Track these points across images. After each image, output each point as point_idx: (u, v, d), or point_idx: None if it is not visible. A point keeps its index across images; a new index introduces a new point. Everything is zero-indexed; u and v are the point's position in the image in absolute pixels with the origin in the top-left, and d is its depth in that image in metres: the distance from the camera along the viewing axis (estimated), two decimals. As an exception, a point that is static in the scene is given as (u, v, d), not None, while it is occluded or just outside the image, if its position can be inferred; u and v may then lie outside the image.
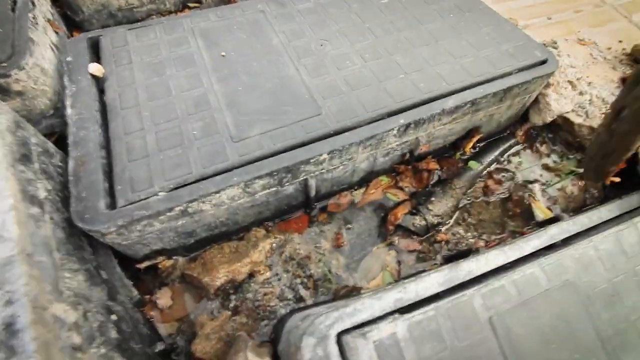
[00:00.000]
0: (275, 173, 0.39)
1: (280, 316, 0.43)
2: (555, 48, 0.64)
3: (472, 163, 0.54)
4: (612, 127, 0.37)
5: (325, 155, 0.41)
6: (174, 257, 0.46)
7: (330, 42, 0.51)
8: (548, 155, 0.58)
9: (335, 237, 0.49)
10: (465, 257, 0.38)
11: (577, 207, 0.52)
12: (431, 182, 0.52)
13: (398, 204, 0.51)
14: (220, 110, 0.43)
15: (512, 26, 0.54)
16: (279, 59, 0.48)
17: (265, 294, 0.44)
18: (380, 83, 0.46)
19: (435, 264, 0.47)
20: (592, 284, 0.35)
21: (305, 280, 0.46)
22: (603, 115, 0.55)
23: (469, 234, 0.50)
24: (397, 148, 0.48)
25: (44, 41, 0.50)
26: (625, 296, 0.36)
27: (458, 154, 0.55)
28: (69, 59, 0.48)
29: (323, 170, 0.44)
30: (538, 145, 0.59)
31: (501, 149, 0.57)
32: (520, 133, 0.58)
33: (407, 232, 0.48)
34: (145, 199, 0.36)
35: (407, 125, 0.44)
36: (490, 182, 0.54)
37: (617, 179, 0.44)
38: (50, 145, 0.42)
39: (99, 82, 0.47)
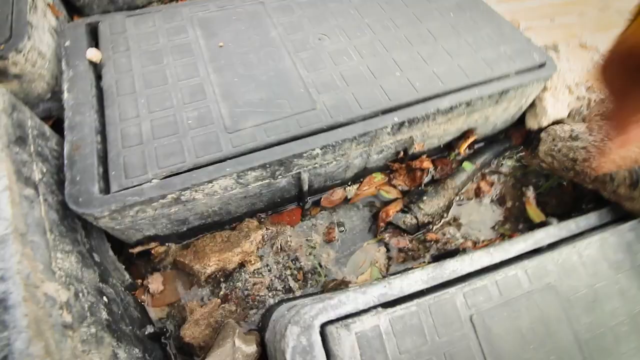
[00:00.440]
0: (268, 165, 0.40)
1: (268, 306, 0.44)
2: (557, 51, 0.64)
3: (466, 164, 0.54)
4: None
5: (318, 150, 0.41)
6: (167, 244, 0.47)
7: (328, 37, 0.51)
8: (542, 160, 0.58)
9: (326, 231, 0.50)
10: (455, 256, 0.38)
11: (568, 211, 0.53)
12: (424, 181, 0.53)
13: (390, 202, 0.51)
14: (216, 100, 0.43)
15: (512, 28, 0.54)
16: (276, 52, 0.49)
17: (255, 284, 0.45)
18: (376, 80, 0.46)
19: (423, 262, 0.47)
20: (574, 289, 0.36)
21: (295, 272, 0.47)
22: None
23: (459, 234, 0.50)
24: (391, 146, 0.48)
25: (42, 25, 0.50)
26: (605, 302, 0.36)
27: (453, 154, 0.55)
28: (67, 43, 0.48)
29: (316, 165, 0.44)
30: (533, 148, 0.59)
31: (496, 151, 0.57)
32: (516, 136, 0.58)
33: (397, 229, 0.49)
34: (138, 185, 0.37)
35: (401, 124, 0.44)
36: (483, 184, 0.55)
37: None
38: (47, 129, 0.42)
39: (96, 68, 0.47)
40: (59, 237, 0.33)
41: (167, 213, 0.40)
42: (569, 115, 0.56)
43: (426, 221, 0.49)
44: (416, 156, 0.53)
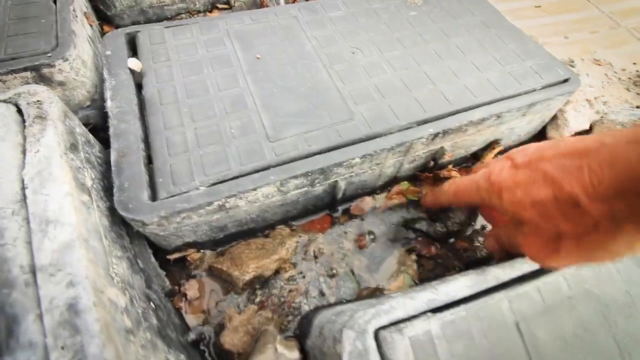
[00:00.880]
0: (309, 174, 0.41)
1: (304, 313, 0.45)
2: (573, 67, 0.67)
3: (490, 174, 0.56)
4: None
5: (357, 159, 0.42)
6: (202, 251, 0.47)
7: (361, 51, 0.52)
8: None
9: (357, 238, 0.51)
10: (485, 263, 0.39)
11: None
12: (451, 190, 0.54)
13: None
14: (257, 110, 0.45)
15: (535, 44, 0.56)
16: (312, 64, 0.50)
17: (290, 291, 0.46)
18: (410, 92, 0.48)
19: (455, 268, 0.48)
20: (610, 294, 0.37)
21: (328, 279, 0.47)
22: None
23: (487, 242, 0.51)
24: (423, 155, 0.49)
25: (82, 33, 0.51)
26: (641, 307, 0.37)
27: (478, 163, 0.56)
28: (108, 52, 0.49)
29: (353, 174, 0.45)
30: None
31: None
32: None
33: (427, 237, 0.50)
34: (186, 192, 0.38)
35: (436, 135, 0.45)
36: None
37: None
38: (91, 136, 0.43)
39: (136, 77, 0.48)
40: (111, 243, 0.34)
41: (209, 220, 0.41)
42: (590, 128, 0.58)
43: (455, 229, 0.50)
44: (443, 166, 0.55)
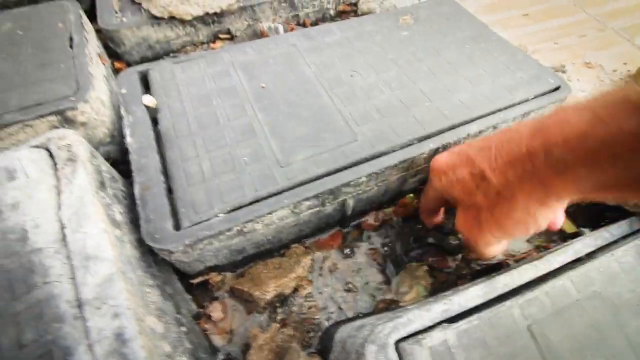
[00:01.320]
0: (320, 195, 0.43)
1: (324, 328, 0.46)
2: (564, 72, 0.69)
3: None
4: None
5: (364, 178, 0.45)
6: (222, 273, 0.49)
7: (358, 73, 0.55)
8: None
9: (369, 252, 0.53)
10: (494, 271, 0.41)
11: (595, 222, 0.56)
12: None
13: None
14: (266, 137, 0.47)
15: (524, 55, 0.59)
16: (314, 89, 0.53)
17: (309, 307, 0.48)
18: (408, 110, 0.51)
19: (466, 277, 0.50)
20: (618, 295, 0.38)
21: (345, 293, 0.49)
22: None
23: (494, 248, 0.53)
24: (424, 170, 0.52)
25: (98, 74, 0.54)
26: (649, 305, 0.39)
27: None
28: (123, 91, 0.52)
29: (360, 191, 0.48)
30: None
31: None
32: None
33: (440, 250, 0.52)
34: (207, 220, 0.40)
35: (437, 149, 0.48)
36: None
37: None
38: (114, 172, 0.46)
39: (151, 112, 0.51)
40: (143, 272, 0.36)
41: (229, 244, 0.43)
42: (584, 131, 0.60)
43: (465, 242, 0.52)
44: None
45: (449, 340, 0.33)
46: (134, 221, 0.42)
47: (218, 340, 0.46)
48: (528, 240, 0.54)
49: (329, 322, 0.47)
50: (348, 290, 0.50)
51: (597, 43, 0.80)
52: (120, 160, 0.55)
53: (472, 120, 0.50)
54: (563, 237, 0.54)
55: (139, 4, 0.68)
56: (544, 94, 0.54)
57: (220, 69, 0.55)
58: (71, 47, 0.55)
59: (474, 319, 0.34)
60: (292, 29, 0.72)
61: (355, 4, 0.81)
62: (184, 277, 0.47)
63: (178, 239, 0.39)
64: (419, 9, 0.67)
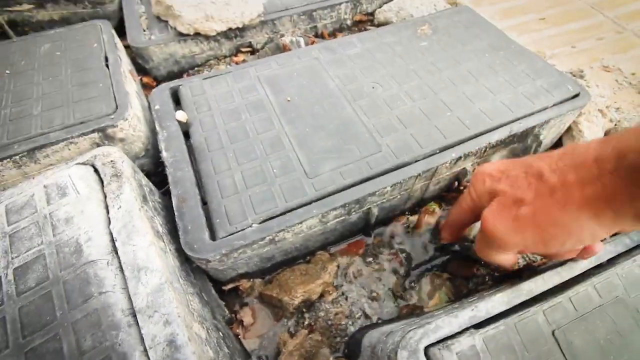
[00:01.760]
0: (347, 205, 0.45)
1: (351, 334, 0.48)
2: (582, 76, 0.69)
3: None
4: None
5: (388, 188, 0.47)
6: (252, 280, 0.52)
7: (380, 85, 0.57)
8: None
9: (392, 259, 0.55)
10: (514, 278, 0.42)
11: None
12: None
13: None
14: (293, 150, 0.50)
15: (544, 62, 0.59)
16: (338, 102, 0.55)
17: (336, 313, 0.49)
18: (430, 121, 0.52)
19: (487, 283, 0.51)
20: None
21: (370, 299, 0.51)
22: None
23: (520, 257, 0.54)
24: (447, 178, 0.53)
25: (132, 91, 0.58)
26: (672, 310, 0.39)
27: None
28: (156, 107, 0.55)
29: (384, 200, 0.49)
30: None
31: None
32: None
33: (462, 258, 0.53)
34: (241, 230, 0.42)
35: (458, 158, 0.49)
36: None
37: None
38: (152, 185, 0.49)
39: (183, 127, 0.54)
40: (185, 281, 0.39)
41: (260, 252, 0.46)
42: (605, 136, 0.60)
43: None
44: (466, 186, 0.58)
45: (477, 346, 0.34)
46: (172, 232, 0.45)
47: (250, 344, 0.48)
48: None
49: (355, 327, 0.49)
50: (372, 297, 0.51)
51: (616, 46, 0.80)
52: (153, 172, 0.58)
53: (494, 129, 0.51)
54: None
55: (166, 21, 0.71)
56: (563, 101, 0.55)
57: (247, 84, 0.58)
58: (107, 66, 0.58)
59: (500, 324, 0.35)
60: (312, 42, 0.75)
61: (372, 14, 0.83)
62: (215, 283, 0.50)
63: (215, 248, 0.41)
64: (436, 18, 0.68)
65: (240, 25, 0.71)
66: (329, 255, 0.54)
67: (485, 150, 0.51)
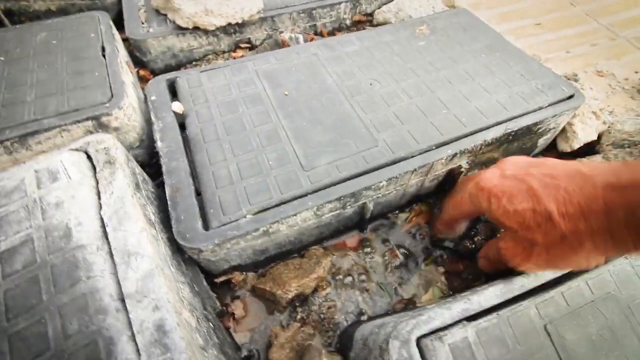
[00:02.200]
0: (342, 198, 0.45)
1: (343, 328, 0.48)
2: (577, 80, 0.70)
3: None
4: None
5: (384, 182, 0.46)
6: (245, 273, 0.51)
7: (378, 82, 0.57)
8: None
9: (386, 254, 0.54)
10: (508, 274, 0.42)
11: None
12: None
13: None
14: (289, 143, 0.49)
15: (539, 64, 0.60)
16: (335, 97, 0.55)
17: (329, 307, 0.49)
18: (426, 117, 0.52)
19: (480, 279, 0.51)
20: (632, 297, 0.39)
21: (363, 294, 0.51)
22: (622, 141, 0.60)
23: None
24: (442, 174, 0.53)
25: (128, 81, 0.57)
26: (662, 308, 0.40)
27: (470, 174, 0.60)
28: (153, 97, 0.55)
29: (380, 195, 0.49)
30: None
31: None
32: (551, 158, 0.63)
33: (455, 254, 0.53)
34: (235, 220, 0.42)
35: (454, 155, 0.49)
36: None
37: None
38: (145, 174, 0.48)
39: (179, 118, 0.54)
40: (175, 270, 0.38)
41: (254, 244, 0.45)
42: (598, 138, 0.61)
43: (482, 246, 0.53)
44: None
45: (469, 337, 0.34)
46: (164, 221, 0.45)
47: (240, 337, 0.47)
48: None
49: (348, 321, 0.49)
50: (366, 291, 0.51)
51: (609, 52, 0.82)
52: (147, 163, 0.58)
53: (489, 127, 0.52)
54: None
55: (165, 15, 0.71)
56: (558, 102, 0.55)
57: (245, 77, 0.58)
58: (104, 56, 0.58)
59: (492, 317, 0.35)
60: (311, 39, 0.75)
61: (371, 15, 0.84)
62: (207, 275, 0.49)
63: (208, 238, 0.41)
64: (434, 19, 0.69)
65: (240, 21, 0.71)
66: (323, 250, 0.54)
67: (480, 148, 0.51)
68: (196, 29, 0.70)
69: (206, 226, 0.42)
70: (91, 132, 0.49)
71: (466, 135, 0.51)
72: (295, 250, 0.53)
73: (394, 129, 0.51)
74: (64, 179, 0.39)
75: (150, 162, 0.58)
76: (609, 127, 0.62)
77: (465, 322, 0.35)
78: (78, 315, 0.31)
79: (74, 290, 0.32)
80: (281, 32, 0.76)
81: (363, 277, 0.52)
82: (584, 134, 0.60)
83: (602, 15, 0.92)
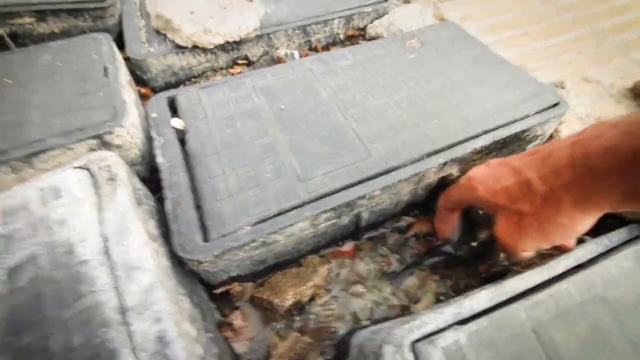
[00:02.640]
0: (338, 207, 0.47)
1: (340, 336, 0.49)
2: (564, 88, 0.73)
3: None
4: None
5: (378, 191, 0.48)
6: (243, 284, 0.52)
7: (371, 94, 0.60)
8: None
9: (382, 262, 0.56)
10: (501, 278, 0.44)
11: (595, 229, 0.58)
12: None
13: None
14: (287, 155, 0.51)
15: (525, 74, 0.62)
16: (330, 110, 0.57)
17: (326, 316, 0.50)
18: (418, 128, 0.54)
19: (474, 286, 0.52)
20: (618, 297, 0.40)
21: (359, 302, 0.52)
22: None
23: (503, 257, 0.55)
24: (434, 182, 0.55)
25: (130, 100, 0.59)
26: (649, 307, 0.41)
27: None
28: (154, 115, 0.57)
29: (374, 204, 0.51)
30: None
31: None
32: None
33: (452, 259, 0.54)
34: (234, 232, 0.44)
35: (445, 163, 0.51)
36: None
37: None
38: (146, 190, 0.50)
39: (179, 134, 0.55)
40: (176, 282, 0.40)
41: (252, 255, 0.46)
42: (586, 144, 0.63)
43: (481, 251, 0.54)
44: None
45: (461, 341, 0.35)
46: (165, 235, 0.46)
47: (239, 347, 0.48)
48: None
49: (345, 329, 0.50)
50: (362, 298, 0.52)
51: (595, 59, 0.84)
52: (147, 179, 0.60)
53: (478, 136, 0.53)
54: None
55: (165, 35, 0.74)
56: (544, 109, 0.57)
57: (242, 93, 0.60)
58: (106, 76, 0.60)
59: (483, 320, 0.36)
60: (306, 55, 0.78)
61: (363, 29, 0.87)
62: (207, 287, 0.50)
63: (207, 249, 0.42)
64: (424, 33, 0.71)
65: (237, 39, 0.74)
66: (320, 258, 0.55)
67: (470, 156, 0.53)
68: (195, 47, 0.73)
69: (206, 238, 0.44)
70: (94, 150, 0.51)
71: (456, 144, 0.52)
72: (292, 260, 0.54)
73: (387, 139, 0.53)
74: (68, 197, 0.41)
75: (150, 178, 0.59)
76: (596, 132, 0.64)
77: (457, 325, 0.36)
78: (82, 328, 0.32)
79: (78, 305, 0.33)
80: (277, 48, 0.79)
81: (359, 284, 0.53)
82: (571, 140, 0.61)
83: (587, 23, 0.95)
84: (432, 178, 0.53)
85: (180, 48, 0.72)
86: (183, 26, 0.70)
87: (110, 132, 0.51)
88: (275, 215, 0.45)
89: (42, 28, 0.78)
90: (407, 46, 0.68)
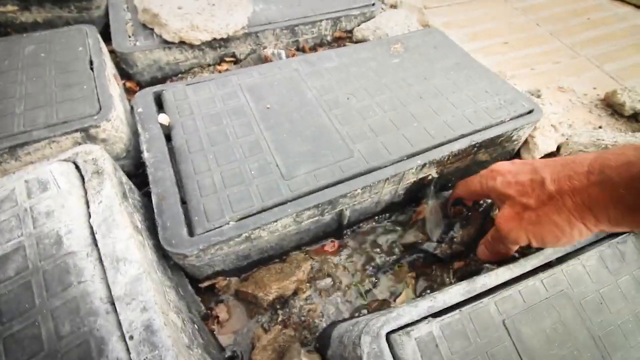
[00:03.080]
0: (320, 205, 0.48)
1: (322, 329, 0.51)
2: (539, 96, 0.76)
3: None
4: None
5: (359, 190, 0.50)
6: (228, 278, 0.53)
7: (354, 96, 0.61)
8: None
9: (363, 258, 0.58)
10: (476, 275, 0.46)
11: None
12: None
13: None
14: (271, 153, 0.52)
15: (502, 81, 0.65)
16: (314, 111, 0.59)
17: (309, 310, 0.52)
18: (398, 130, 0.56)
19: (450, 282, 0.55)
20: (583, 294, 0.44)
21: (342, 296, 0.54)
22: (578, 151, 0.66)
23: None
24: (414, 183, 0.57)
25: (116, 94, 0.59)
26: (610, 304, 0.44)
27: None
28: (139, 110, 0.57)
29: (355, 202, 0.53)
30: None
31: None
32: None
33: (432, 257, 0.56)
34: (219, 227, 0.45)
35: (423, 165, 0.53)
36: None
37: None
38: (132, 184, 0.50)
39: (164, 130, 0.56)
40: (161, 274, 0.40)
41: (237, 250, 0.48)
42: (557, 149, 0.66)
43: (459, 251, 0.56)
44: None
45: (434, 332, 0.37)
46: (151, 229, 0.47)
47: (224, 339, 0.50)
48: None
49: (326, 322, 0.51)
50: (344, 293, 0.54)
51: (570, 69, 0.88)
52: (133, 173, 0.60)
53: (456, 139, 0.56)
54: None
55: (152, 29, 0.73)
56: (519, 116, 0.60)
57: (229, 91, 0.61)
58: (92, 69, 0.60)
59: (455, 313, 0.39)
60: (293, 55, 0.79)
61: (351, 32, 0.89)
62: (192, 281, 0.51)
63: (192, 244, 0.43)
64: (408, 38, 0.74)
65: (225, 36, 0.74)
66: (303, 255, 0.57)
67: (448, 158, 0.55)
68: (182, 43, 0.73)
69: (191, 233, 0.45)
70: (79, 144, 0.51)
71: (434, 147, 0.55)
72: (276, 256, 0.56)
73: (369, 140, 0.55)
74: (54, 189, 0.41)
75: (136, 172, 0.60)
76: (567, 139, 0.68)
77: (430, 318, 0.39)
78: (70, 317, 0.32)
79: (66, 294, 0.34)
80: (265, 47, 0.80)
81: (341, 280, 0.55)
82: (544, 146, 0.65)
83: (565, 35, 0.99)
84: (412, 179, 0.56)
85: (167, 43, 0.72)
86: (170, 21, 0.70)
87: (96, 126, 0.51)
88: (259, 212, 0.46)
89: (25, 17, 0.77)
90: (392, 50, 0.71)
